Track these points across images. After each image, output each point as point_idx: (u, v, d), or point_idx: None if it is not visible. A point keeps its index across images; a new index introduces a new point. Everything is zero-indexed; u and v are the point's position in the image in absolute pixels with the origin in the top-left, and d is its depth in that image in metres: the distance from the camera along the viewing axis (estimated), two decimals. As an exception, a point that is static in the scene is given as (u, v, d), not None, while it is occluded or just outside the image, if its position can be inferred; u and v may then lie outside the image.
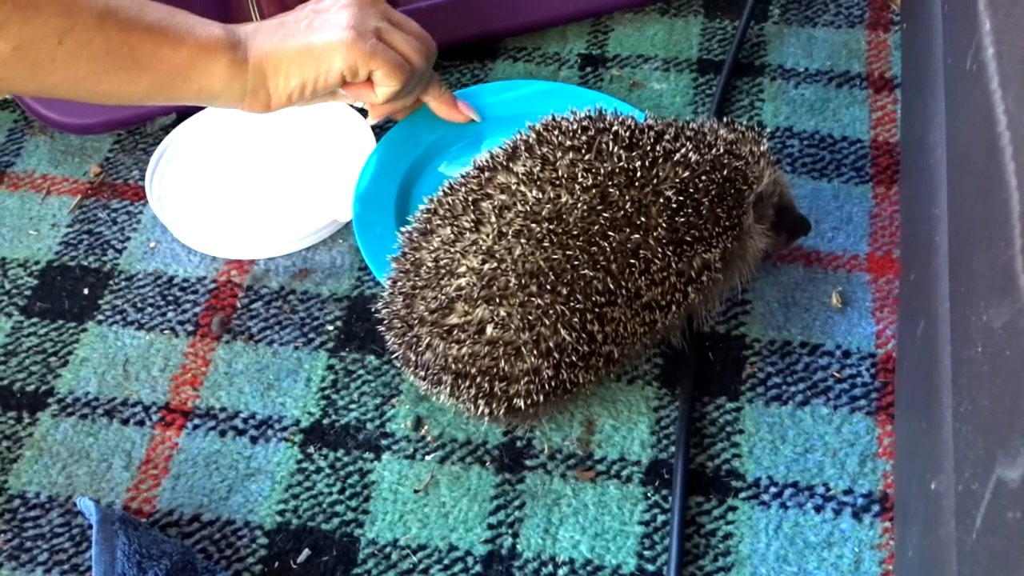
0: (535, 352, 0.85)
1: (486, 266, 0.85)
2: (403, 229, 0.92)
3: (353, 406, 0.97)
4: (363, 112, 1.15)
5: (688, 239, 0.87)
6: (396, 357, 0.92)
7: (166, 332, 1.03)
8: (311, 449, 0.95)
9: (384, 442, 0.95)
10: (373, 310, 0.96)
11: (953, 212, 0.72)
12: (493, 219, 0.86)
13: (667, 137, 0.90)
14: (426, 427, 0.96)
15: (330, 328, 1.02)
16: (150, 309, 1.04)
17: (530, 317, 0.84)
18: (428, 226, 0.90)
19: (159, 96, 0.95)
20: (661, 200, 0.86)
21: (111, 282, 1.06)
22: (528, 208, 0.85)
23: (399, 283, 0.90)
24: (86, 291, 1.06)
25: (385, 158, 1.11)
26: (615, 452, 0.94)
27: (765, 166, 0.93)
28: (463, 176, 0.91)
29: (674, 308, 0.89)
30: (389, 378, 0.99)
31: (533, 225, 0.85)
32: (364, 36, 0.96)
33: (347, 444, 0.95)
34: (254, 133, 1.16)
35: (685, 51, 1.24)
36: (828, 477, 0.91)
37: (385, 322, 0.92)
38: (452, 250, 0.86)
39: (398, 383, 0.98)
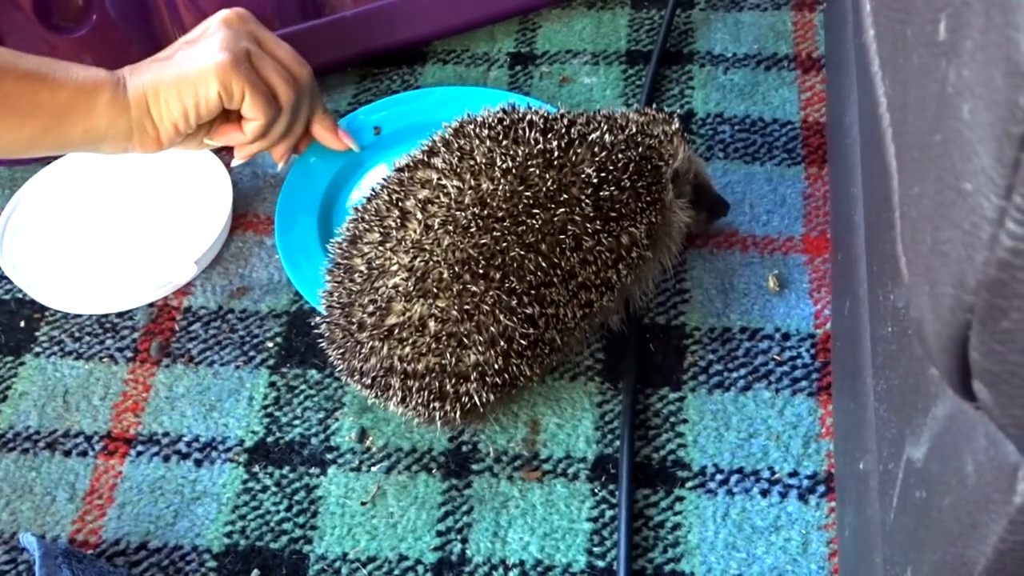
0: (480, 342, 0.85)
1: (417, 260, 0.85)
2: (332, 241, 0.92)
3: (297, 422, 0.97)
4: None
5: (613, 215, 0.88)
6: (340, 371, 0.92)
7: (105, 360, 1.02)
8: (256, 468, 0.94)
9: (329, 456, 0.95)
10: (312, 324, 0.96)
11: (866, 192, 0.73)
12: (418, 214, 0.86)
13: (580, 122, 0.92)
14: (371, 438, 0.95)
15: (270, 345, 1.02)
16: (88, 338, 1.03)
17: (467, 306, 0.84)
18: (356, 233, 0.90)
19: (45, 142, 0.94)
20: (582, 178, 0.87)
21: (47, 313, 1.05)
22: (451, 199, 0.86)
23: (335, 294, 0.90)
24: (22, 324, 1.05)
25: (303, 178, 1.11)
26: (560, 450, 0.94)
27: (679, 144, 0.94)
28: (384, 180, 0.92)
29: (608, 288, 0.89)
30: (331, 391, 0.98)
31: (457, 214, 0.85)
32: (238, 58, 0.96)
33: (292, 461, 0.95)
34: (104, 185, 1.14)
35: (613, 43, 1.24)
36: (773, 461, 0.92)
37: (326, 335, 0.92)
38: (382, 250, 0.86)
39: (341, 396, 0.98)
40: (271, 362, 1.01)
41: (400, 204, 0.87)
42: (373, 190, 0.91)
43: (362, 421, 0.96)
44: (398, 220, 0.86)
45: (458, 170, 0.87)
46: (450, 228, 0.85)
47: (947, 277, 0.37)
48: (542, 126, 0.89)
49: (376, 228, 0.87)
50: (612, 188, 0.88)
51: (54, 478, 0.95)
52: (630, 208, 0.89)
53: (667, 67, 1.21)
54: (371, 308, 0.86)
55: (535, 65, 1.23)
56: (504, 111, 0.91)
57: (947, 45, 0.38)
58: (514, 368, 0.87)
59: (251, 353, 1.01)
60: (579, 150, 0.88)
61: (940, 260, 0.37)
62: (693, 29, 1.24)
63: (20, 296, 1.06)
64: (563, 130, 0.89)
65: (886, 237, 0.56)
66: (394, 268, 0.86)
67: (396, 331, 0.86)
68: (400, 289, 0.85)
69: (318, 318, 0.93)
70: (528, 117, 0.90)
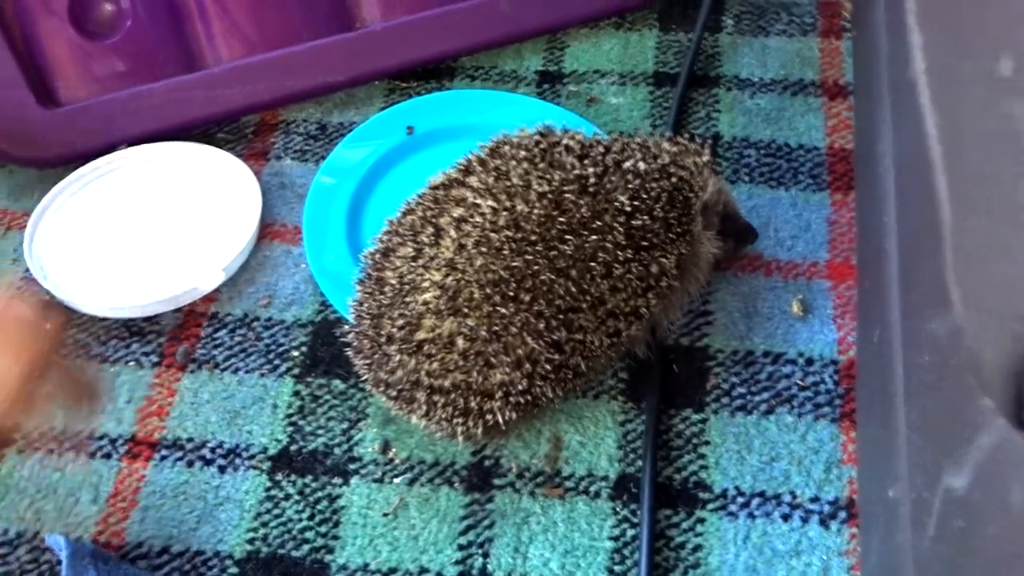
0: (506, 363, 0.85)
1: (449, 279, 0.85)
2: (365, 252, 0.93)
3: (320, 431, 0.97)
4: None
5: (644, 244, 0.88)
6: (366, 380, 0.93)
7: (131, 364, 1.02)
8: (279, 476, 0.95)
9: (352, 466, 0.95)
10: (338, 334, 0.97)
11: (901, 221, 0.73)
12: (452, 232, 0.87)
13: (615, 149, 0.92)
14: (394, 450, 0.96)
15: (295, 354, 1.02)
16: (114, 342, 1.04)
17: (496, 327, 0.85)
18: (389, 246, 0.90)
19: None
20: (615, 206, 0.88)
21: (74, 316, 1.06)
22: (485, 219, 0.86)
23: (365, 304, 0.91)
24: (48, 326, 1.05)
25: (327, 187, 1.12)
26: (583, 468, 0.94)
27: (708, 175, 0.95)
28: (419, 196, 0.92)
29: (636, 317, 0.90)
30: (355, 402, 0.99)
31: (492, 235, 0.86)
32: None
33: (315, 470, 0.95)
34: (132, 190, 1.15)
35: (641, 64, 1.25)
36: (794, 485, 0.92)
37: (353, 345, 0.92)
38: (415, 266, 0.87)
39: (364, 407, 0.99)
40: (296, 371, 1.01)
41: (434, 221, 0.88)
42: (408, 204, 0.92)
43: (385, 433, 0.97)
44: (432, 237, 0.87)
45: (494, 191, 0.87)
46: (483, 249, 0.85)
47: (1008, 309, 0.37)
48: (578, 151, 0.90)
49: (409, 243, 0.88)
50: (644, 217, 0.88)
51: (78, 479, 0.95)
52: (661, 238, 0.89)
53: (694, 90, 1.22)
54: (401, 322, 0.87)
55: (563, 84, 1.23)
56: (541, 133, 0.92)
57: (1010, 81, 0.39)
58: (538, 389, 0.88)
59: (276, 362, 1.02)
60: (613, 178, 0.89)
61: (1000, 293, 0.38)
62: (720, 53, 1.25)
63: (48, 299, 1.07)
64: (599, 156, 0.90)
65: (926, 267, 0.57)
66: (426, 284, 0.86)
67: (425, 346, 0.86)
68: (431, 306, 0.86)
69: (346, 327, 0.94)
70: (565, 141, 0.91)
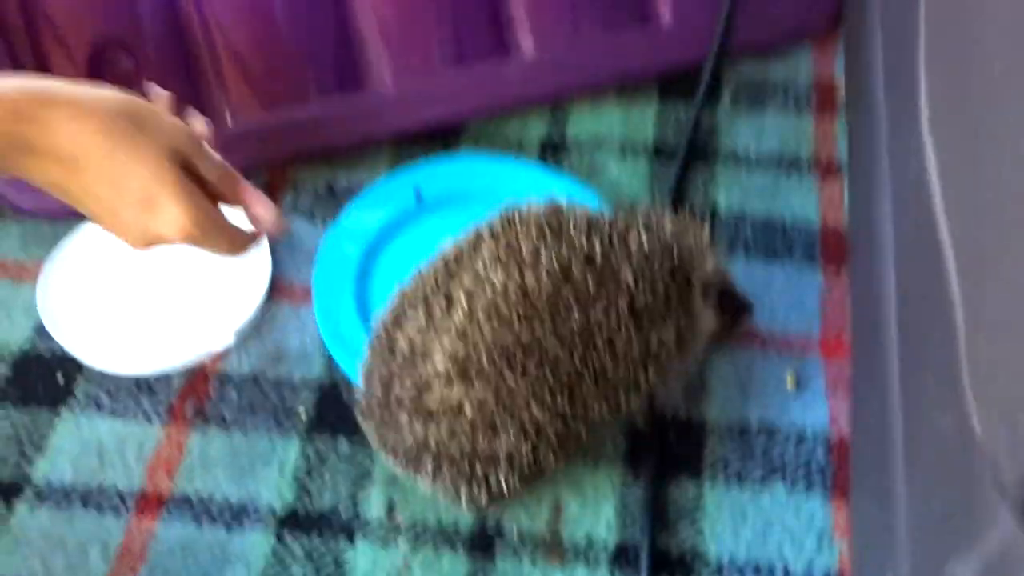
0: (512, 432, 0.88)
1: (459, 348, 0.88)
2: (376, 316, 0.96)
3: (326, 491, 0.99)
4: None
5: (646, 319, 0.91)
6: (373, 443, 0.95)
7: (140, 419, 1.04)
8: (286, 536, 0.96)
9: (358, 528, 0.97)
10: (345, 396, 0.99)
11: (902, 309, 0.76)
12: (464, 302, 0.89)
13: (619, 226, 0.95)
14: (398, 511, 0.98)
15: (302, 414, 1.04)
16: (124, 396, 1.06)
17: (504, 397, 0.87)
18: (400, 312, 0.93)
19: None
20: (620, 281, 0.90)
21: (84, 370, 1.08)
22: (495, 291, 0.89)
23: (375, 370, 0.93)
24: (60, 379, 1.07)
25: (337, 249, 1.15)
26: (582, 534, 0.96)
27: (708, 254, 0.98)
28: (431, 264, 0.95)
29: (636, 389, 0.92)
30: (361, 462, 1.01)
31: (501, 307, 0.88)
32: None
33: (321, 530, 0.97)
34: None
35: (641, 136, 1.28)
36: (787, 557, 0.94)
37: (363, 408, 0.94)
38: (425, 331, 0.89)
39: (369, 467, 1.01)
40: (302, 430, 1.03)
41: (445, 290, 0.91)
42: (419, 272, 0.95)
43: (390, 494, 0.99)
44: (443, 306, 0.90)
45: (505, 262, 0.90)
46: (493, 323, 0.88)
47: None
48: (586, 228, 0.93)
49: (421, 310, 0.91)
50: (648, 295, 0.91)
51: (88, 534, 0.96)
52: (661, 313, 0.92)
53: (692, 163, 1.25)
54: (411, 388, 0.89)
55: (565, 152, 1.26)
56: (549, 208, 0.95)
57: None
58: (542, 458, 0.90)
59: (283, 421, 1.04)
60: (619, 254, 0.92)
61: (1020, 405, 0.41)
62: (718, 127, 1.29)
63: (59, 352, 1.09)
64: (606, 232, 0.93)
65: (932, 358, 0.60)
66: (436, 353, 0.89)
67: (434, 413, 0.89)
68: (441, 373, 0.88)
69: (356, 391, 0.96)
70: (572, 216, 0.93)
